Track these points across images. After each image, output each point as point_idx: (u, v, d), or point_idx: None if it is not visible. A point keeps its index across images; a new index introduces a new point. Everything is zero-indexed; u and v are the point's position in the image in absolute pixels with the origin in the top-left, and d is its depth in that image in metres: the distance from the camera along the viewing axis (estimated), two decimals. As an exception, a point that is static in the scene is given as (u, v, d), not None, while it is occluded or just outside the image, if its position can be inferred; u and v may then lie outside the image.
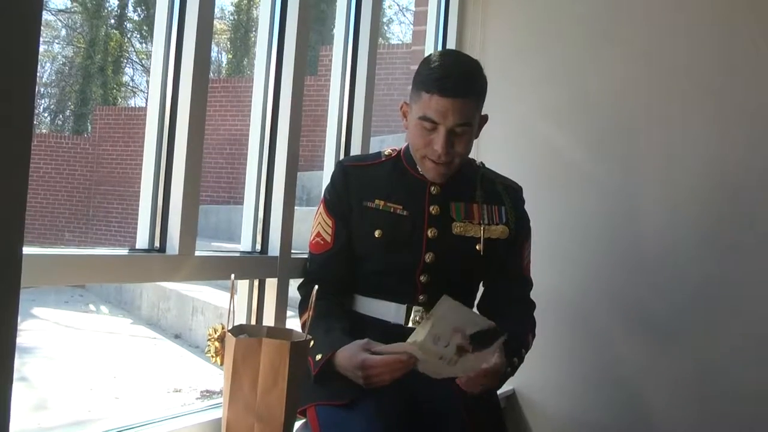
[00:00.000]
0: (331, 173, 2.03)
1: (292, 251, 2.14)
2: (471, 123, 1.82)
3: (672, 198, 2.64)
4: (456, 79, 1.78)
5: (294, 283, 2.07)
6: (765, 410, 2.50)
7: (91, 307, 8.90)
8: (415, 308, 1.90)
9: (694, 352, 2.60)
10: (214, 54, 19.27)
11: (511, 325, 1.86)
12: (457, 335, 1.65)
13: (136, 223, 1.85)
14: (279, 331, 1.71)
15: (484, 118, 1.90)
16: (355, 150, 2.44)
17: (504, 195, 2.00)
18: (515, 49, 2.92)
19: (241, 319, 2.03)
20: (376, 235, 1.90)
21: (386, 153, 2.01)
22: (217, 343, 1.63)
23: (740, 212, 2.56)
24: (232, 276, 1.67)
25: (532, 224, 2.07)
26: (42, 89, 18.53)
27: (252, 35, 18.40)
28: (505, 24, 2.95)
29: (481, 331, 1.68)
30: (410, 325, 1.89)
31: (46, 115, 19.02)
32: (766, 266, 2.52)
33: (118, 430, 1.73)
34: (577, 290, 2.78)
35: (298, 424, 1.75)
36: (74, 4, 18.91)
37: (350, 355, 1.70)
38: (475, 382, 1.70)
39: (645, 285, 2.68)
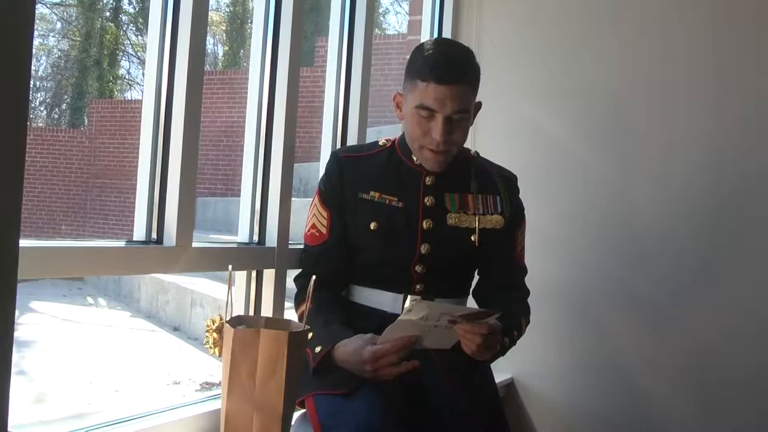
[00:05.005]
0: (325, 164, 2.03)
1: (290, 242, 2.14)
2: (468, 110, 1.82)
3: (670, 187, 2.64)
4: (452, 66, 1.78)
5: (291, 274, 2.08)
6: (765, 397, 2.51)
7: (90, 300, 8.91)
8: (411, 297, 1.91)
9: (693, 339, 2.61)
10: (210, 46, 19.22)
11: (504, 310, 1.87)
12: (444, 317, 1.65)
13: (133, 216, 1.85)
14: (277, 322, 1.71)
15: (479, 105, 1.90)
16: (352, 141, 2.44)
17: (499, 184, 2.00)
18: (512, 39, 2.92)
19: (239, 311, 2.04)
20: (372, 227, 1.90)
21: (381, 143, 2.01)
22: (215, 335, 1.64)
23: (737, 201, 2.56)
24: (230, 267, 1.67)
25: (531, 214, 2.07)
26: (38, 83, 18.48)
27: (248, 27, 18.34)
28: (502, 13, 2.94)
29: (471, 314, 1.69)
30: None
31: (42, 108, 18.97)
32: (763, 254, 2.53)
33: (118, 422, 1.73)
34: (577, 279, 2.78)
35: (296, 415, 1.76)
36: (69, -4, 18.85)
37: (354, 350, 1.71)
38: (477, 331, 1.66)
39: (644, 273, 2.68)
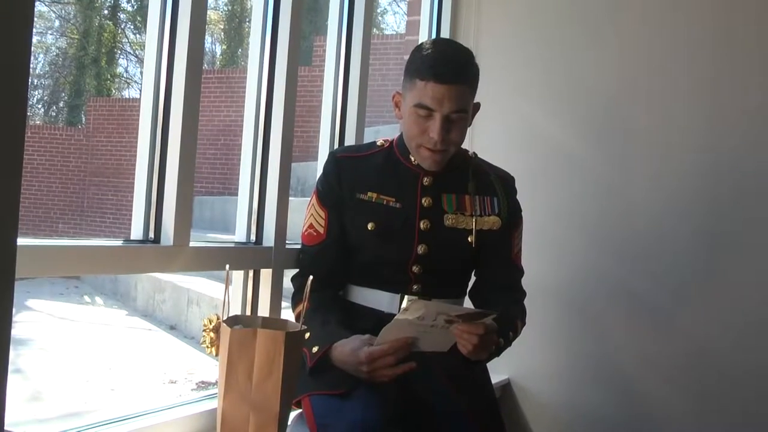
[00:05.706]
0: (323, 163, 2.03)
1: (287, 242, 2.14)
2: (466, 109, 1.82)
3: (668, 187, 2.65)
4: (451, 66, 1.78)
5: (288, 274, 2.08)
6: (763, 397, 2.51)
7: (86, 298, 8.89)
8: (408, 297, 1.91)
9: (691, 339, 2.61)
10: (208, 45, 19.18)
11: (500, 311, 1.87)
12: (441, 317, 1.65)
13: (131, 215, 1.85)
14: (274, 322, 1.71)
15: (477, 106, 1.90)
16: (350, 140, 2.44)
17: (497, 185, 1.99)
18: (510, 39, 2.92)
19: (236, 310, 2.03)
20: (369, 228, 1.90)
21: (379, 144, 2.00)
22: (212, 334, 1.64)
23: (735, 200, 2.57)
24: (227, 267, 1.67)
25: (528, 214, 2.07)
26: (35, 80, 18.44)
27: (246, 26, 18.31)
28: (500, 13, 2.94)
29: (467, 314, 1.69)
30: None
31: (39, 106, 18.93)
32: (762, 253, 2.53)
33: (114, 421, 1.73)
34: (574, 279, 2.78)
35: (293, 415, 1.76)
36: (67, -6, 18.82)
37: (352, 350, 1.71)
38: (473, 331, 1.65)
39: (642, 273, 2.69)
